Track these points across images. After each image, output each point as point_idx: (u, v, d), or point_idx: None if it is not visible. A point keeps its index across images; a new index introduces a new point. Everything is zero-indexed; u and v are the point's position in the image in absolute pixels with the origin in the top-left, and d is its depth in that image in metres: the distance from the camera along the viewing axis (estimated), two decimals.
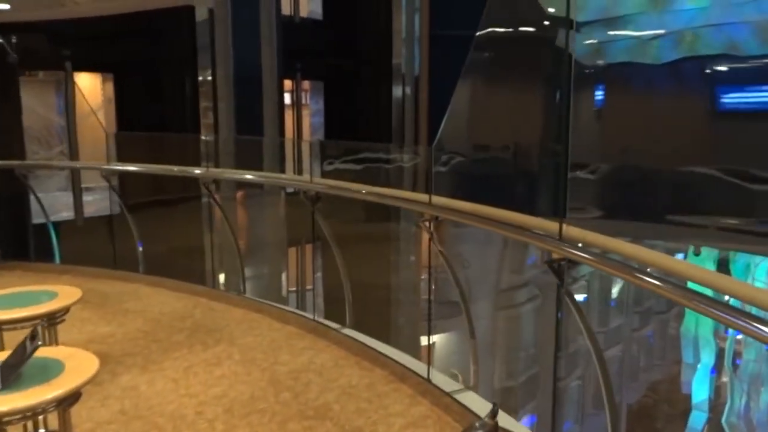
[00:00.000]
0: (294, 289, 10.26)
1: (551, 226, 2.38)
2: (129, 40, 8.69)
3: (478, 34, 3.30)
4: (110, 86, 9.16)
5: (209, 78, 8.86)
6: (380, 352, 3.86)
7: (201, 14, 8.61)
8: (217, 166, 5.65)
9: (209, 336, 4.32)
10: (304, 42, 10.77)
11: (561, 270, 2.36)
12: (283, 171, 6.05)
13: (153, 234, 6.37)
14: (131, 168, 5.87)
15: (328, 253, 4.58)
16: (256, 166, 6.01)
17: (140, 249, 5.82)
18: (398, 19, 10.98)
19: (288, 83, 10.49)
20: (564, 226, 2.34)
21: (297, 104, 10.79)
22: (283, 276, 8.37)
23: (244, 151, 6.31)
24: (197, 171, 5.29)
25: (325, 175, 4.66)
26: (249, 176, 5.33)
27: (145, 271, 5.74)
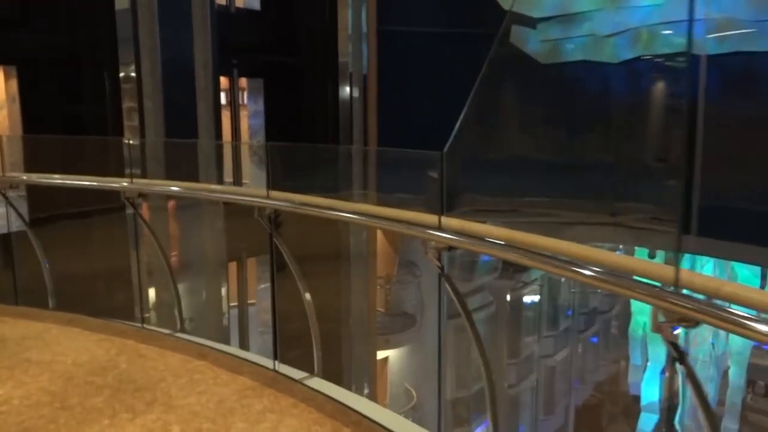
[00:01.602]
0: (234, 304, 9.26)
1: (661, 270, 1.61)
2: (36, 29, 7.55)
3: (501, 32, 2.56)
4: (14, 82, 7.94)
5: (133, 74, 7.82)
6: (363, 415, 3.03)
7: (122, 1, 7.55)
8: (144, 176, 4.66)
9: (138, 397, 3.36)
10: (241, 35, 9.79)
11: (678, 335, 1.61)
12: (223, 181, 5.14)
13: (67, 257, 5.31)
14: (36, 180, 4.82)
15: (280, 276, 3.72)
16: (192, 175, 5.07)
17: (48, 277, 4.76)
18: (344, 13, 10.16)
19: (224, 80, 9.52)
20: (680, 270, 1.57)
21: (234, 104, 9.81)
22: (223, 302, 7.42)
23: (178, 157, 5.33)
24: (120, 183, 4.29)
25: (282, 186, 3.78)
26: (185, 190, 4.37)
27: (55, 306, 4.68)
